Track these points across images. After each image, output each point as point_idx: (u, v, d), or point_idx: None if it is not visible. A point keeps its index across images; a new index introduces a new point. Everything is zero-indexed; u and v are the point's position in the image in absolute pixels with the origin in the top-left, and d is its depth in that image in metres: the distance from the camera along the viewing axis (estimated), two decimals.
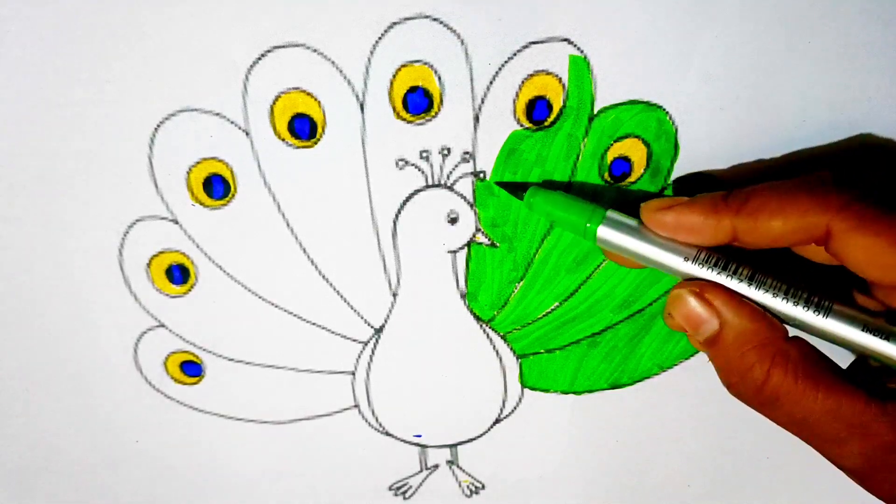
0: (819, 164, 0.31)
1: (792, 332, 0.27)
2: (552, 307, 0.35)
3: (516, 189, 0.31)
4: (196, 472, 0.39)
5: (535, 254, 0.34)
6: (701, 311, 0.27)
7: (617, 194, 0.32)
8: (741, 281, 0.27)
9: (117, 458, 0.38)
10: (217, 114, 0.30)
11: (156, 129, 0.31)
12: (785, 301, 0.26)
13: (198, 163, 0.31)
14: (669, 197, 0.29)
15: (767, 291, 0.27)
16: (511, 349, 0.36)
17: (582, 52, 0.29)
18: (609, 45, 0.29)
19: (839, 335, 0.26)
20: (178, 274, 0.34)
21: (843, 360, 0.28)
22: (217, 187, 0.32)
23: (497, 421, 0.38)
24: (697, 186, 0.32)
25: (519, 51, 0.29)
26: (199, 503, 0.40)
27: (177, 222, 0.33)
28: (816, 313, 0.26)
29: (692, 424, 0.38)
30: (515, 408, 0.37)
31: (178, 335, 0.35)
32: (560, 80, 0.30)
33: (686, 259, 0.27)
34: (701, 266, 0.27)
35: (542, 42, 0.29)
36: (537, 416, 0.37)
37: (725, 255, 0.27)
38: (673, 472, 0.39)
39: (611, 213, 0.29)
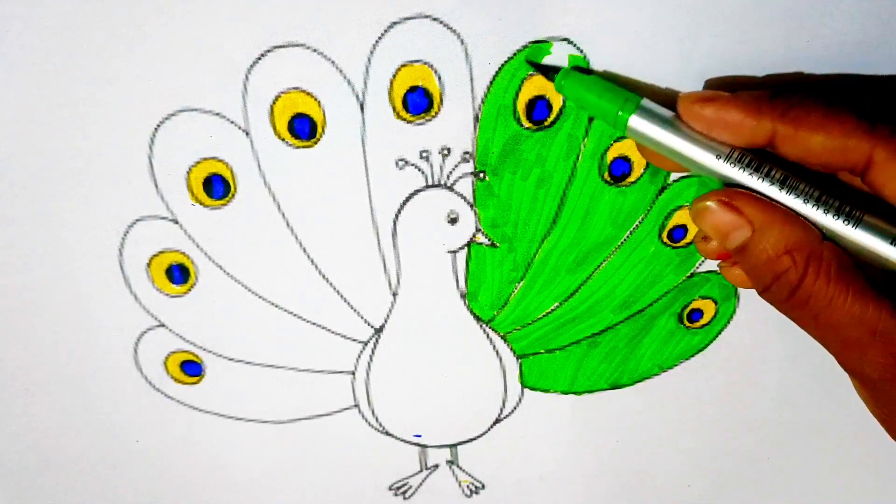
0: None
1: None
2: (552, 307, 0.35)
3: (548, 71, 0.29)
4: (196, 472, 0.39)
5: (536, 254, 0.34)
6: (731, 218, 0.26)
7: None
8: (773, 184, 0.26)
9: (117, 458, 0.38)
10: (217, 114, 0.30)
11: (156, 129, 0.31)
12: (816, 208, 0.26)
13: (198, 163, 0.31)
14: (710, 90, 0.28)
15: (799, 197, 0.26)
16: (511, 349, 0.36)
17: (582, 52, 0.29)
18: (609, 45, 0.29)
19: (868, 247, 0.26)
20: (178, 274, 0.34)
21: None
22: (217, 187, 0.32)
23: (497, 421, 0.38)
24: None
25: (519, 51, 0.29)
26: (199, 503, 0.40)
27: (177, 222, 0.33)
28: (847, 223, 0.26)
29: (692, 425, 0.38)
30: (515, 408, 0.37)
31: (179, 335, 0.35)
32: None
33: (719, 157, 0.27)
34: (733, 165, 0.26)
35: (542, 42, 0.29)
36: (537, 416, 0.37)
37: (759, 156, 0.27)
38: (673, 473, 0.39)
39: (645, 102, 0.27)
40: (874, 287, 0.26)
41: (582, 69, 0.29)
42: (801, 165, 0.27)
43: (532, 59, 0.29)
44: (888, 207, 0.26)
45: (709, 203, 0.27)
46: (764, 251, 0.26)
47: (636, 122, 0.27)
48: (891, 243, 0.25)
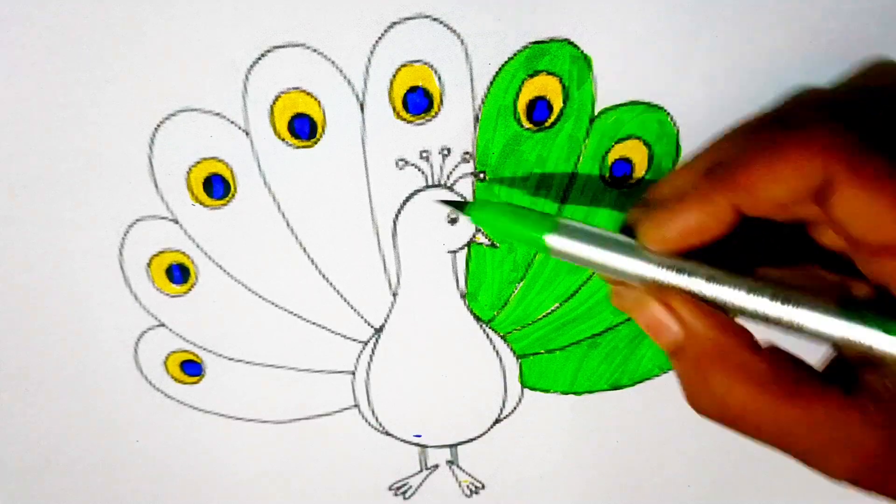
0: None
1: (765, 335, 0.25)
2: (552, 308, 0.35)
3: (458, 205, 0.29)
4: (196, 472, 0.39)
5: (536, 254, 0.34)
6: (666, 319, 0.24)
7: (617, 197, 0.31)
8: (700, 280, 0.24)
9: (117, 458, 0.38)
10: (217, 114, 0.30)
11: (156, 129, 0.31)
12: (748, 296, 0.24)
13: (198, 163, 0.31)
14: (659, 208, 0.24)
15: (729, 288, 0.24)
16: (511, 349, 0.36)
17: (582, 52, 0.29)
18: (609, 45, 0.29)
19: (810, 328, 0.23)
20: (179, 273, 0.34)
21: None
22: (217, 187, 0.32)
23: (497, 421, 0.38)
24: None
25: (519, 51, 0.29)
26: (198, 503, 0.40)
27: (177, 222, 0.33)
28: (785, 305, 0.23)
29: (692, 425, 0.38)
30: (515, 408, 0.37)
31: (179, 335, 0.35)
32: (560, 80, 0.30)
33: (646, 262, 0.25)
34: (658, 268, 0.25)
35: (542, 42, 0.29)
36: (537, 416, 0.37)
37: (682, 256, 0.25)
38: (673, 473, 0.39)
39: (563, 222, 0.26)
40: (822, 382, 0.23)
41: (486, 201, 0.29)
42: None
43: (533, 63, 0.29)
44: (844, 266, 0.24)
45: (644, 297, 0.25)
46: (692, 358, 0.24)
47: (556, 241, 0.25)
48: (832, 317, 0.23)
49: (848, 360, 0.25)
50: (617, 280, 0.26)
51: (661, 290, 0.24)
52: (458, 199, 0.30)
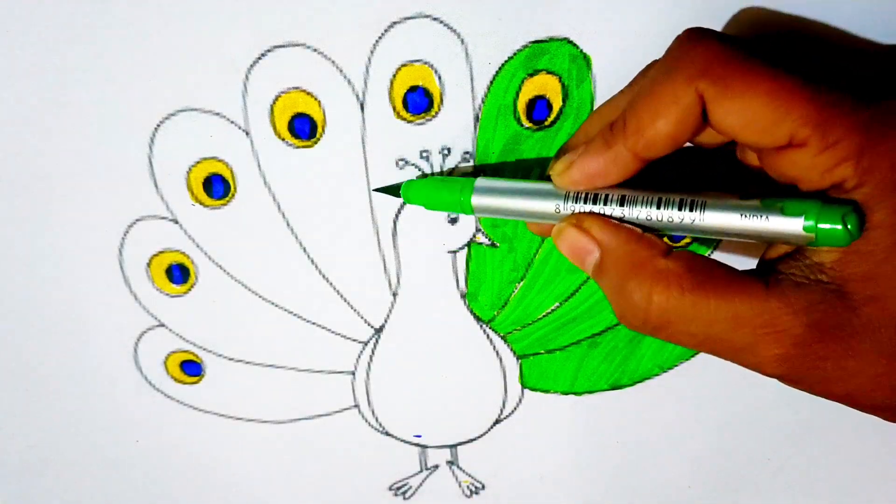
0: None
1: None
2: (552, 307, 0.35)
3: (393, 190, 0.31)
4: (196, 472, 0.39)
5: (536, 254, 0.34)
6: (582, 241, 0.26)
7: None
8: (614, 205, 0.26)
9: (117, 458, 0.38)
10: (217, 114, 0.30)
11: (156, 129, 0.31)
12: (660, 210, 0.25)
13: (198, 162, 0.31)
14: (569, 151, 0.27)
15: (641, 206, 0.25)
16: (511, 349, 0.36)
17: (582, 51, 0.29)
18: (608, 44, 0.29)
19: (722, 228, 0.25)
20: (178, 273, 0.34)
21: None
22: (217, 187, 0.32)
23: (497, 421, 0.38)
24: None
25: (519, 51, 0.29)
26: (198, 503, 0.40)
27: (177, 222, 0.33)
28: (693, 211, 0.25)
29: (692, 425, 0.38)
30: (515, 408, 0.37)
31: (178, 335, 0.35)
32: (560, 79, 0.30)
33: (559, 201, 0.27)
34: (574, 203, 0.26)
35: (541, 41, 0.29)
36: (537, 416, 0.37)
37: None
38: (673, 473, 0.39)
39: (479, 181, 0.28)
40: (739, 276, 0.24)
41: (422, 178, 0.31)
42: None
43: (532, 62, 0.29)
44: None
45: (561, 225, 0.26)
46: (611, 273, 0.25)
47: (478, 200, 0.28)
48: (741, 216, 0.24)
49: (768, 262, 0.25)
50: (551, 225, 0.28)
51: (577, 217, 0.26)
52: (394, 186, 0.31)
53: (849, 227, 0.22)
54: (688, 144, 0.26)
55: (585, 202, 0.26)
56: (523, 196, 0.28)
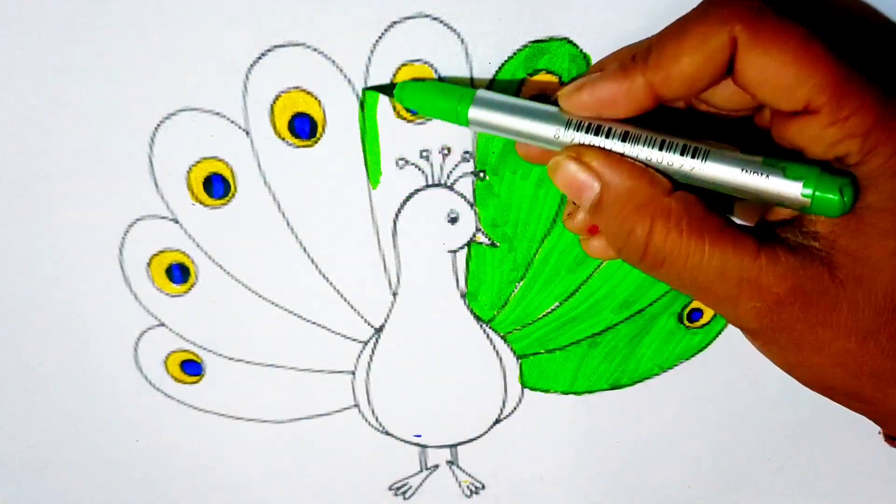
0: None
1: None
2: (552, 307, 0.35)
3: (387, 88, 0.30)
4: (196, 472, 0.39)
5: (536, 254, 0.34)
6: (581, 175, 0.25)
7: None
8: (616, 139, 0.25)
9: (117, 457, 0.38)
10: (217, 113, 0.30)
11: (156, 128, 0.31)
12: (662, 152, 0.25)
13: (198, 162, 0.31)
14: (584, 75, 0.26)
15: (643, 146, 0.25)
16: (511, 349, 0.36)
17: (581, 50, 0.29)
18: (609, 45, 0.29)
19: (721, 180, 0.25)
20: (179, 273, 0.34)
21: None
22: (217, 187, 0.32)
23: (497, 421, 0.38)
24: None
25: (519, 50, 0.29)
26: (199, 503, 0.40)
27: (177, 222, 0.33)
28: (695, 158, 0.25)
29: (692, 425, 0.38)
30: (515, 408, 0.37)
31: (179, 334, 0.35)
32: (560, 79, 0.30)
33: (560, 127, 0.26)
34: (575, 131, 0.26)
35: (541, 41, 0.29)
36: (537, 416, 0.37)
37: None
38: (673, 473, 0.39)
39: (480, 93, 0.27)
40: (736, 229, 0.24)
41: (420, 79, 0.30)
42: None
43: (532, 62, 0.29)
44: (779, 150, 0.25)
45: (559, 157, 0.26)
46: (612, 208, 0.25)
47: (476, 113, 0.27)
48: (741, 171, 0.24)
49: (767, 224, 0.26)
50: (541, 152, 0.27)
51: (576, 149, 0.26)
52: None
53: (844, 198, 0.23)
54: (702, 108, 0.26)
55: (587, 132, 0.26)
56: (523, 115, 0.27)
